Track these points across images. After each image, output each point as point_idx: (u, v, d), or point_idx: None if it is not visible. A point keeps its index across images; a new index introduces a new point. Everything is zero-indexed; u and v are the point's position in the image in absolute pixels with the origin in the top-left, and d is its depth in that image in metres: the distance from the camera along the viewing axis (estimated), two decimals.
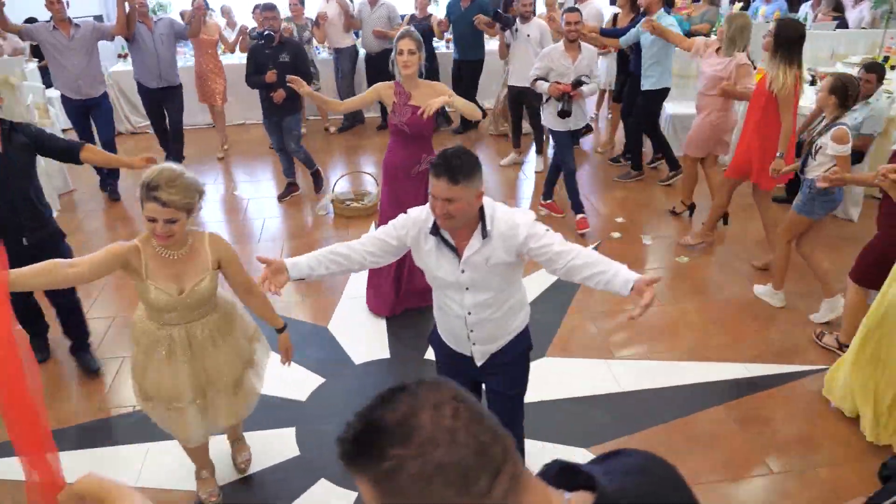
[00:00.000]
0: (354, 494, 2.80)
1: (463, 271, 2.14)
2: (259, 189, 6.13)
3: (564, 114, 4.74)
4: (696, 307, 4.10)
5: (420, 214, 2.17)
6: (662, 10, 5.77)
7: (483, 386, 2.50)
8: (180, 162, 6.35)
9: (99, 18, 7.41)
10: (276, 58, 5.17)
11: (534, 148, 6.53)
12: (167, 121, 6.00)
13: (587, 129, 7.03)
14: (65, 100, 5.38)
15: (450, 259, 2.15)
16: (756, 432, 3.08)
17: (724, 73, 4.48)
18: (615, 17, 6.45)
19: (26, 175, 3.14)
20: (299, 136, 5.53)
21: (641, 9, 5.73)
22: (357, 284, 4.30)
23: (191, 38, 6.09)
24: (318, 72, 6.95)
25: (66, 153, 3.17)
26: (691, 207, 5.23)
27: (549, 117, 4.96)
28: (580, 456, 2.94)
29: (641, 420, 3.17)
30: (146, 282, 2.27)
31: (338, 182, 5.54)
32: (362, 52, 7.21)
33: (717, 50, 4.61)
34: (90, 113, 5.43)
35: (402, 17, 7.00)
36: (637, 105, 5.76)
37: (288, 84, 3.77)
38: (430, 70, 6.64)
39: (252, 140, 7.29)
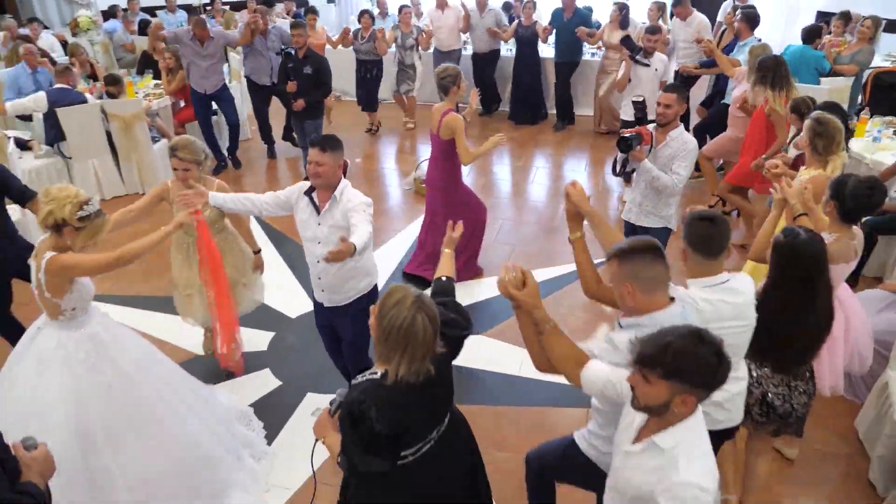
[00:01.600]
0: (278, 384, 3.93)
1: (319, 224, 3.01)
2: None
3: (625, 145, 3.57)
4: None
5: (302, 184, 3.12)
6: (753, 36, 5.90)
7: None
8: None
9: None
10: (300, 70, 6.02)
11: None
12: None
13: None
14: (192, 90, 6.69)
15: (312, 213, 3.03)
16: None
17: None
18: (723, 32, 6.67)
19: None
20: (316, 139, 6.39)
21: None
22: (395, 245, 5.50)
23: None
24: (416, 73, 7.95)
25: (20, 196, 3.78)
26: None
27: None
28: None
29: (513, 399, 3.78)
30: (174, 207, 3.58)
31: (420, 164, 6.60)
32: (465, 53, 8.25)
33: None
34: (217, 104, 6.79)
35: (512, 19, 7.92)
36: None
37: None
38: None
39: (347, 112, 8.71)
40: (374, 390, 1.86)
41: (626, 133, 3.57)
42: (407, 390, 1.84)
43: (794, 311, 2.38)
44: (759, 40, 6.46)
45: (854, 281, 4.56)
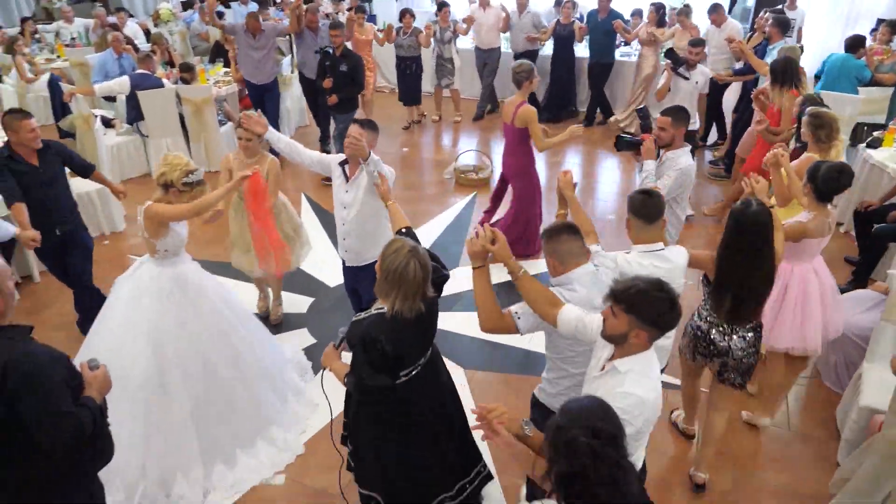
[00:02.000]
0: (313, 342, 4.46)
1: (347, 191, 3.51)
2: (388, 145, 7.88)
3: (621, 143, 3.89)
4: None
5: (337, 156, 3.61)
6: (784, 39, 6.07)
7: None
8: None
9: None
10: (336, 67, 6.40)
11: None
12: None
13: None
14: (246, 81, 7.19)
15: (343, 182, 3.52)
16: None
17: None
18: (750, 36, 6.86)
19: (57, 180, 4.07)
20: (344, 131, 6.71)
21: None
22: (433, 226, 5.97)
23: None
24: (455, 68, 8.29)
25: (82, 170, 4.26)
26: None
27: None
28: None
29: (520, 368, 4.20)
30: (233, 173, 4.14)
31: (461, 156, 7.02)
32: (505, 51, 8.53)
33: None
34: (264, 96, 7.07)
35: (557, 18, 8.23)
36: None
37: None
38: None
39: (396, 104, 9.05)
40: (378, 322, 2.33)
41: (626, 134, 3.81)
42: (403, 324, 2.31)
43: (745, 270, 2.77)
44: (801, 46, 6.63)
45: (863, 283, 4.75)
